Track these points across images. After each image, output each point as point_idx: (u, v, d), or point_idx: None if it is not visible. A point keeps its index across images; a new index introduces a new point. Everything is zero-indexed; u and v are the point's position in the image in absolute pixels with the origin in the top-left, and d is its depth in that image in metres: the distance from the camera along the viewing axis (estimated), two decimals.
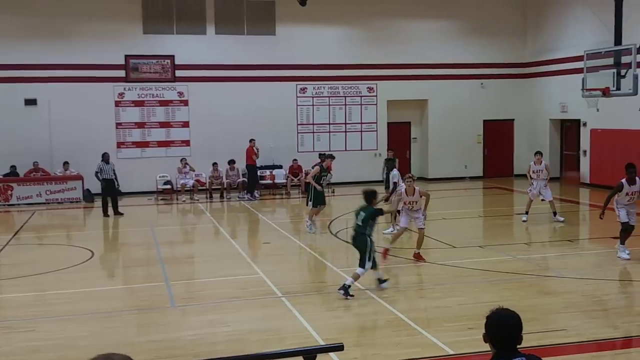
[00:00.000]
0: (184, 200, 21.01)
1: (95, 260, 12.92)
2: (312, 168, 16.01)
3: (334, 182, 22.16)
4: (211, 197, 21.56)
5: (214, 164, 21.65)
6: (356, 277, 9.70)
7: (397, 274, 11.10)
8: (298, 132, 23.87)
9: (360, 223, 9.75)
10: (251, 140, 21.42)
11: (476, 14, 24.79)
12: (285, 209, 20.87)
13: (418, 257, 11.89)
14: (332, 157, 16.31)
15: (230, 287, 10.52)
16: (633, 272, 11.25)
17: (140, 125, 22.51)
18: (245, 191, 21.42)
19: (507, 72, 25.43)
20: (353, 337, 7.97)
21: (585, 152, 22.62)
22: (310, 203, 15.33)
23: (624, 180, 11.78)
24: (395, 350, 7.49)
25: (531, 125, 25.33)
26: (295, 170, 22.57)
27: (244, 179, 21.75)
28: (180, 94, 22.79)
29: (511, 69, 25.49)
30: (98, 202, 18.96)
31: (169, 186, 21.86)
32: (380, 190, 12.82)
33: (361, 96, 24.38)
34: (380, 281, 10.03)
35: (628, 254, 11.76)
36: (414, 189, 12.03)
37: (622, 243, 11.88)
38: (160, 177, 22.03)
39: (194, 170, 21.69)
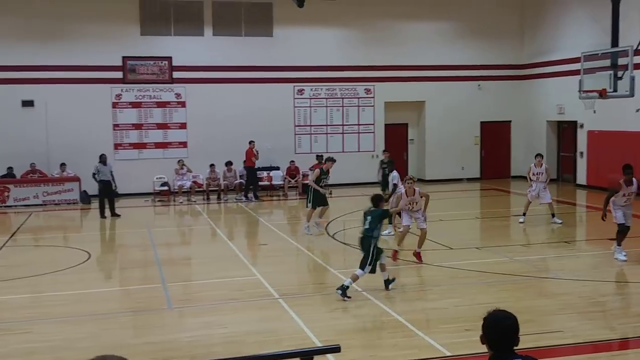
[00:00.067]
0: (181, 202, 21.00)
1: (92, 261, 12.90)
2: (310, 169, 16.00)
3: (331, 183, 22.04)
4: (208, 198, 21.54)
5: (211, 165, 21.64)
6: (355, 278, 9.73)
7: (395, 276, 11.09)
8: (295, 134, 23.86)
9: (367, 226, 9.90)
10: (251, 142, 21.39)
11: (473, 16, 24.81)
12: (282, 211, 20.88)
13: (418, 257, 11.93)
14: (333, 160, 16.08)
15: (227, 288, 10.52)
16: (629, 273, 11.28)
17: (138, 126, 22.49)
18: (243, 193, 21.41)
19: (504, 73, 25.45)
20: (350, 338, 7.96)
21: (582, 153, 22.65)
22: (309, 205, 15.35)
23: (621, 181, 11.81)
24: (392, 352, 7.50)
25: (528, 126, 25.35)
26: (292, 171, 22.54)
27: (242, 180, 21.75)
28: (178, 95, 22.78)
29: (508, 70, 25.51)
30: (95, 204, 18.95)
31: (166, 188, 21.83)
32: (378, 192, 12.83)
33: (358, 98, 24.38)
34: (388, 282, 10.08)
35: (625, 255, 11.78)
36: (414, 190, 12.12)
37: (619, 244, 11.91)
38: (157, 178, 21.99)
39: (191, 172, 21.66)
